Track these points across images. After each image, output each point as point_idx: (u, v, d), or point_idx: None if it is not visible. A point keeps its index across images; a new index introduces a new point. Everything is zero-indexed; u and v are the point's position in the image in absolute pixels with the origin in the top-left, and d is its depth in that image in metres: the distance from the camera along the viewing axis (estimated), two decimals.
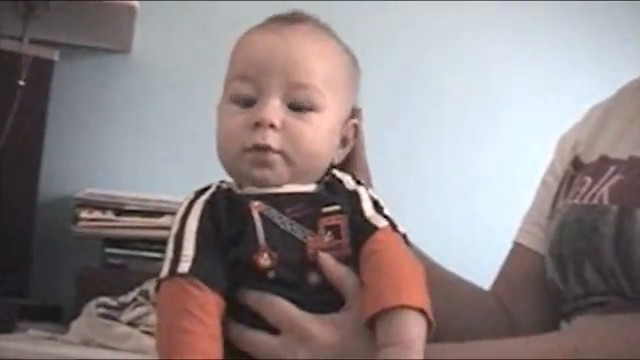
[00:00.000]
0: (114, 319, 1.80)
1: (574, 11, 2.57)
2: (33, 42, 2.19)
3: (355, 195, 1.00)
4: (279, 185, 0.99)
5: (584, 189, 1.15)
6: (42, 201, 2.29)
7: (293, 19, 1.04)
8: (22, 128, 2.16)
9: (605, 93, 1.31)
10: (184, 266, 0.93)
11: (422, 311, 0.90)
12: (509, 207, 1.82)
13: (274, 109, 0.98)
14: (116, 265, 2.09)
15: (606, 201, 1.10)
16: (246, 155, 0.98)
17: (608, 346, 0.95)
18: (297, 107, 0.99)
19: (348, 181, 1.02)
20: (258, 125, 0.97)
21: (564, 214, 1.16)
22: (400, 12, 2.52)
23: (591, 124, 1.26)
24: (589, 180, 1.16)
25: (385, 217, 0.99)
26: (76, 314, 1.88)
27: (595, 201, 1.12)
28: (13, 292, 2.11)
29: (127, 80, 2.45)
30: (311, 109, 1.00)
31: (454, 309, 1.20)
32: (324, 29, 1.06)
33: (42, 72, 2.22)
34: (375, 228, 0.97)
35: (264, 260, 0.95)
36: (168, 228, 1.99)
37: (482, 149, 2.54)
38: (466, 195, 2.51)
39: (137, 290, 1.86)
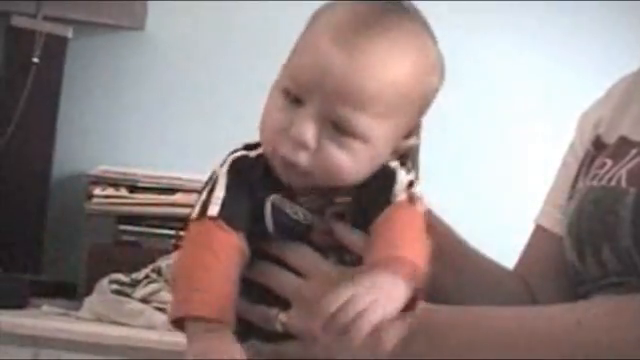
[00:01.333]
0: (127, 295, 1.81)
1: (577, 5, 2.54)
2: (47, 19, 2.19)
3: (392, 175, 0.97)
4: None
5: (603, 171, 1.14)
6: (56, 178, 2.30)
7: (380, 23, 0.93)
8: (36, 105, 2.16)
9: (608, 83, 1.29)
10: (214, 208, 0.94)
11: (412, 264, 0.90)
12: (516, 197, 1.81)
13: (313, 128, 0.91)
14: (129, 242, 2.09)
15: (624, 183, 1.09)
16: (277, 154, 0.94)
17: (607, 319, 0.95)
18: (340, 130, 0.91)
19: (392, 163, 0.98)
20: (292, 137, 0.92)
21: (582, 195, 1.15)
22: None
23: (614, 101, 1.24)
24: (609, 162, 1.15)
25: (409, 193, 0.97)
26: (89, 291, 1.89)
27: (613, 183, 1.11)
28: (27, 269, 2.12)
29: (141, 57, 2.44)
30: (354, 137, 0.92)
31: (477, 288, 1.20)
32: (412, 34, 0.95)
33: (56, 49, 2.22)
34: (389, 202, 0.95)
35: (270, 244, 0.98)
36: (181, 205, 2.05)
37: (490, 136, 2.52)
38: (475, 186, 2.49)
39: (150, 267, 1.87)
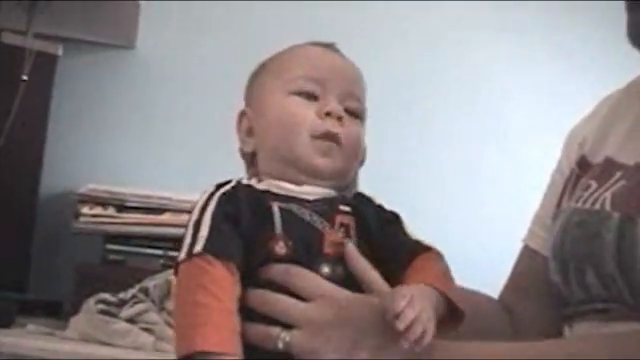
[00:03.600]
0: (113, 315, 1.80)
1: (574, 10, 2.55)
2: (37, 36, 2.19)
3: (397, 217, 1.07)
4: (324, 179, 1.06)
5: (588, 193, 1.14)
6: (43, 196, 2.29)
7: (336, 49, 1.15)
8: (25, 123, 2.16)
9: (608, 92, 1.29)
10: (198, 246, 0.97)
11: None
12: (514, 208, 1.81)
13: (339, 105, 1.07)
14: (116, 261, 2.08)
15: (608, 207, 1.09)
16: (314, 142, 1.05)
17: (597, 352, 0.94)
18: (349, 112, 1.09)
19: (380, 202, 1.09)
20: (329, 115, 1.06)
21: (567, 216, 1.15)
22: (401, 13, 2.51)
23: (599, 120, 1.24)
24: (594, 184, 1.15)
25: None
26: (75, 310, 1.88)
27: (597, 206, 1.10)
28: (12, 287, 2.11)
29: (131, 76, 2.44)
30: (358, 117, 1.10)
31: None
32: None
33: (45, 67, 2.22)
34: (429, 248, 1.04)
35: (280, 248, 0.99)
36: (169, 225, 2.04)
37: (486, 150, 2.53)
38: (470, 197, 2.50)
39: (137, 287, 1.85)
